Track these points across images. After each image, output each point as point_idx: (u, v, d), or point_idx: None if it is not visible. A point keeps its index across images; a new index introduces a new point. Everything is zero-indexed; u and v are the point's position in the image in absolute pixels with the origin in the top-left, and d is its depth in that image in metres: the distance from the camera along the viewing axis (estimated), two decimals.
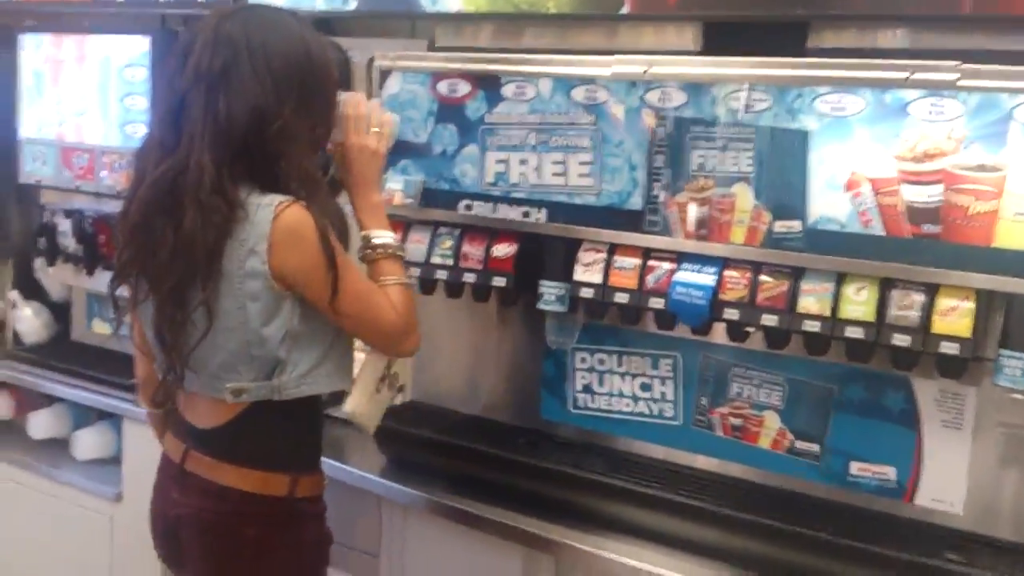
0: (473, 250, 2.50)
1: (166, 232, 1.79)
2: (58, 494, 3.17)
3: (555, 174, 2.38)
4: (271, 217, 1.79)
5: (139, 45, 3.01)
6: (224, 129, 1.78)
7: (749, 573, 2.10)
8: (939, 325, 1.97)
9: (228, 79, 1.79)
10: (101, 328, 3.41)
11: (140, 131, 2.98)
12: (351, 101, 2.04)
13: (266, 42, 1.83)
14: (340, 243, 1.89)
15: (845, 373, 2.25)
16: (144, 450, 2.94)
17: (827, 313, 2.05)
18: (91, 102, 3.12)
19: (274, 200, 1.81)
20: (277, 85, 1.81)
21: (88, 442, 3.19)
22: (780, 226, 2.09)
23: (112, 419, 3.14)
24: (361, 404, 2.07)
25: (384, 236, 2.03)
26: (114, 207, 3.11)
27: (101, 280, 3.22)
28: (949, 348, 1.96)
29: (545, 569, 2.33)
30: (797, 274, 2.10)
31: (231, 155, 1.78)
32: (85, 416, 3.25)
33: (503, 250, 2.48)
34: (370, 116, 2.05)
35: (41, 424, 3.29)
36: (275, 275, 1.80)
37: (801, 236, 2.07)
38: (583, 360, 2.61)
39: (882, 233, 1.99)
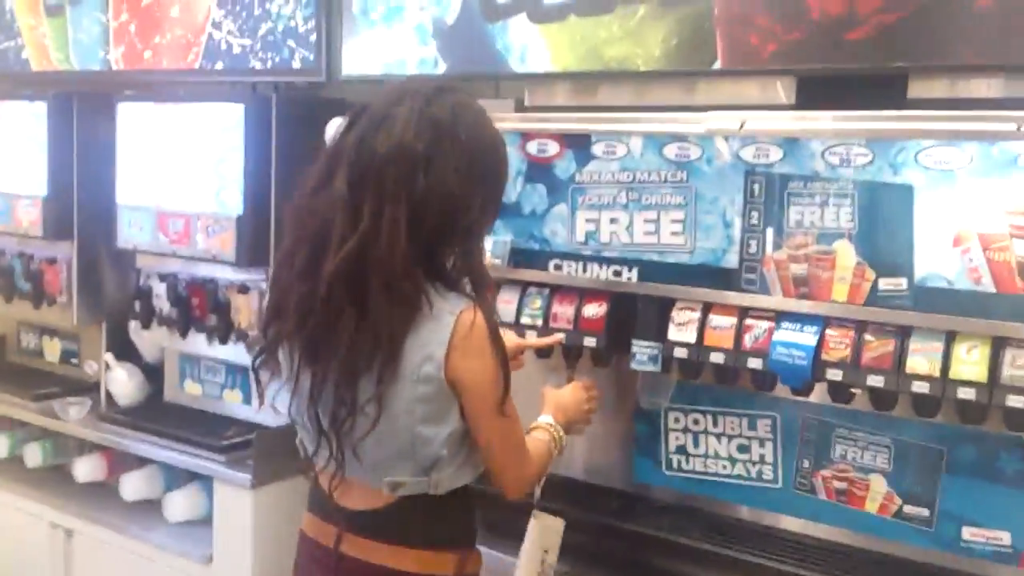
0: (563, 310, 2.48)
1: (351, 314, 1.71)
2: (150, 556, 3.18)
3: (647, 232, 2.36)
4: (452, 324, 1.74)
5: (233, 113, 3.08)
6: (419, 211, 1.71)
7: None
8: None
9: (430, 162, 1.71)
10: (193, 389, 3.45)
11: (234, 197, 3.04)
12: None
13: (470, 134, 1.77)
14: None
15: (956, 434, 2.17)
16: (234, 512, 2.97)
17: (937, 373, 1.98)
18: (186, 169, 3.19)
19: (456, 306, 1.75)
20: (473, 179, 1.76)
21: (179, 504, 3.21)
22: (885, 283, 2.03)
23: (203, 480, 3.16)
24: None
25: (549, 419, 2.08)
26: (207, 270, 3.19)
27: (194, 342, 3.28)
28: None
29: None
30: (904, 333, 2.04)
31: (420, 239, 1.73)
32: (177, 477, 3.28)
33: (594, 310, 2.45)
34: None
35: (133, 486, 3.32)
36: (449, 381, 1.75)
37: (907, 294, 2.01)
38: (677, 420, 2.56)
39: (993, 290, 1.93)
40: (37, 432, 3.61)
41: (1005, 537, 2.13)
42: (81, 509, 3.40)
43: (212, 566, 3.04)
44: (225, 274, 3.14)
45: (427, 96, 1.77)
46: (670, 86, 2.46)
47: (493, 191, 1.84)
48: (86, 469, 3.45)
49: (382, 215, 1.69)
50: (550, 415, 2.08)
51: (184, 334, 3.26)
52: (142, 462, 3.36)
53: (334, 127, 2.53)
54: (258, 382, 1.92)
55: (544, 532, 2.17)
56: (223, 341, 3.15)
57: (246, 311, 3.08)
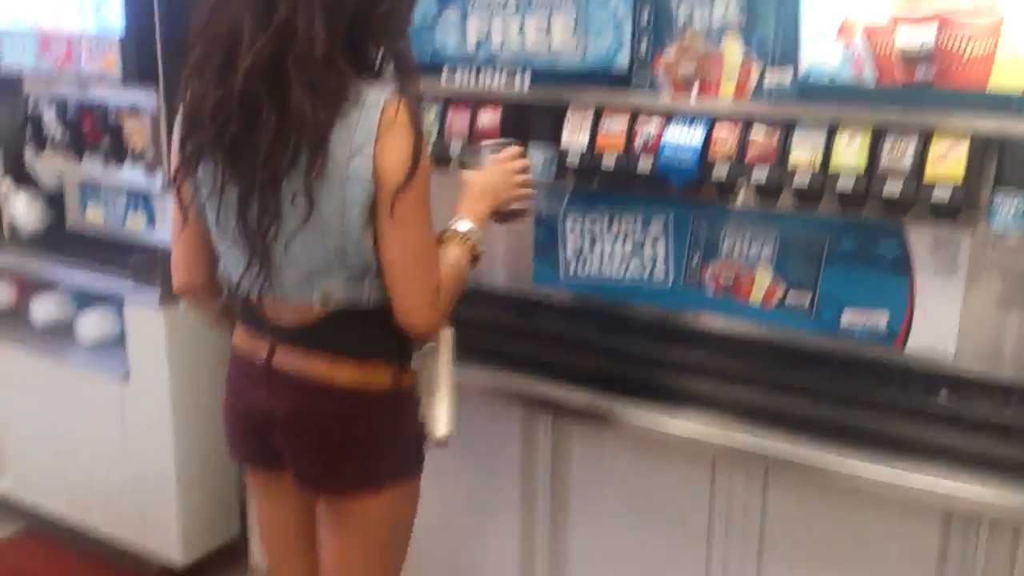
0: (458, 120, 2.36)
1: (271, 110, 1.56)
2: (69, 376, 3.08)
3: (538, 37, 2.21)
4: (378, 115, 1.59)
5: None
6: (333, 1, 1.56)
7: (745, 423, 2.01)
8: (932, 171, 1.85)
9: None
10: (95, 216, 3.26)
11: (115, 13, 2.78)
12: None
13: None
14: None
15: (837, 224, 2.14)
16: (146, 330, 2.87)
17: (818, 165, 1.93)
18: None
19: (380, 97, 1.60)
20: None
21: (92, 325, 3.07)
22: (770, 78, 1.95)
23: (113, 302, 3.03)
24: (453, 424, 1.87)
25: (467, 225, 1.81)
26: (97, 93, 2.95)
27: (90, 167, 3.07)
28: (941, 194, 1.85)
29: (543, 427, 2.27)
30: (788, 127, 1.96)
31: (339, 28, 1.57)
32: (86, 302, 3.13)
33: (488, 119, 2.33)
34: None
35: (44, 308, 3.17)
36: (375, 175, 1.60)
37: (792, 87, 1.92)
38: (573, 226, 2.48)
39: (875, 81, 1.85)
40: None
41: (882, 319, 2.13)
42: None
43: (130, 383, 2.95)
44: (114, 96, 2.91)
45: None
46: None
47: None
48: None
49: (296, 7, 1.54)
50: (466, 216, 1.83)
51: (79, 158, 3.05)
52: (50, 288, 3.20)
53: None
54: (180, 201, 1.76)
55: (450, 341, 1.94)
56: (119, 162, 2.95)
57: (138, 133, 2.88)
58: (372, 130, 1.59)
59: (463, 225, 1.81)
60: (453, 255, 1.77)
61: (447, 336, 1.87)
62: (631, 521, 2.21)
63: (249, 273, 1.70)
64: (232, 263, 1.76)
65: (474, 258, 1.81)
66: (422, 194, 1.65)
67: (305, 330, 1.74)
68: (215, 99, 1.60)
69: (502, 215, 1.95)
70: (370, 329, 1.74)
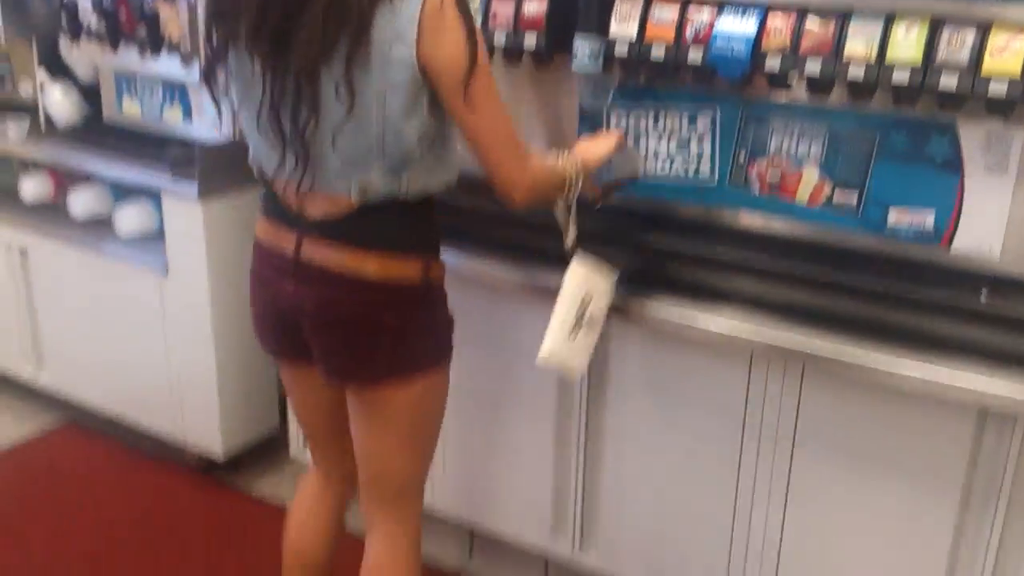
0: (502, 8, 2.32)
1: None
2: (109, 269, 3.11)
3: None
4: (421, 2, 1.57)
5: None
6: None
7: (784, 321, 2.01)
8: (989, 65, 1.81)
9: None
10: (132, 108, 3.25)
11: None
12: None
13: None
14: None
15: (889, 120, 2.10)
16: (185, 224, 2.88)
17: (873, 57, 1.89)
18: None
19: None
20: None
21: (131, 218, 3.06)
22: None
23: (151, 196, 3.03)
24: (556, 348, 1.91)
25: (559, 159, 1.91)
26: None
27: (126, 58, 3.05)
28: (998, 88, 1.81)
29: None
30: (844, 17, 1.92)
31: None
32: (124, 195, 3.14)
33: (534, 7, 2.29)
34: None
35: (82, 201, 3.17)
36: (421, 65, 1.59)
37: None
38: (618, 122, 2.46)
39: None
40: None
41: (929, 219, 2.12)
42: (33, 227, 3.29)
43: (169, 276, 2.98)
44: None
45: None
46: None
47: None
48: (33, 188, 3.30)
49: None
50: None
51: (115, 47, 3.02)
52: (88, 181, 3.21)
53: None
54: (212, 92, 1.75)
55: (586, 279, 1.99)
56: (155, 51, 2.92)
57: (174, 23, 2.84)
58: (415, 15, 1.57)
59: (563, 156, 1.93)
60: (553, 158, 1.88)
61: (580, 272, 1.99)
62: (666, 417, 2.23)
63: (284, 165, 1.69)
64: (264, 155, 1.75)
65: (569, 185, 1.90)
66: (488, 76, 1.66)
67: (335, 223, 1.73)
68: None
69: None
70: (401, 222, 1.75)
